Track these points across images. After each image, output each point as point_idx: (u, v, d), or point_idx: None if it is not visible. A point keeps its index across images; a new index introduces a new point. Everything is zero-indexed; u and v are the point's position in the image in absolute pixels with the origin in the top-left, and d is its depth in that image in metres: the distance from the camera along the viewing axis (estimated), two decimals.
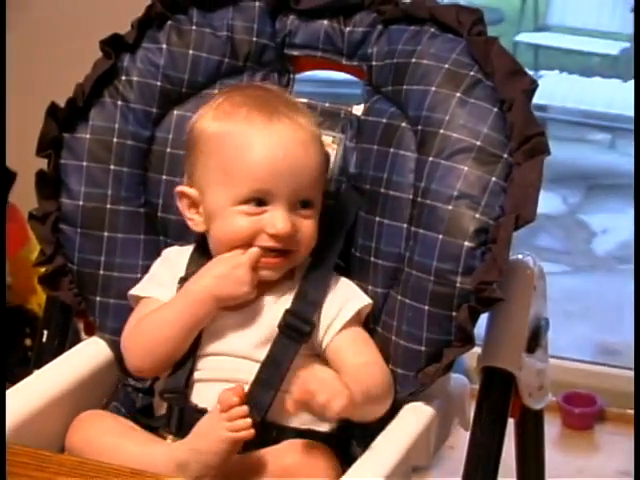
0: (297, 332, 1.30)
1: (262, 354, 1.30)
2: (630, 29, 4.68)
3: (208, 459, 1.19)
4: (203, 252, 1.37)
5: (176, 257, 1.38)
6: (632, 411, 2.47)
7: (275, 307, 1.32)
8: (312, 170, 1.32)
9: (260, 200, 1.29)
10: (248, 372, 1.29)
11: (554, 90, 4.78)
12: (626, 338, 2.65)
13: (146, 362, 1.32)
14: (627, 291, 2.85)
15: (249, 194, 1.29)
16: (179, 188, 1.36)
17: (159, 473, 1.14)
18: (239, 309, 1.32)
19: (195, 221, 1.35)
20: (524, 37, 5.37)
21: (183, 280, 1.34)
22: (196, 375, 1.31)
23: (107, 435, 1.28)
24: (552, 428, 2.48)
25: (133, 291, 1.37)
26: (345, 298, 1.33)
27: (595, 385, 2.60)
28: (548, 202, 4.08)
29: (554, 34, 5.44)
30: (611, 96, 4.79)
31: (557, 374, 2.51)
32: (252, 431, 1.19)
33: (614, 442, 2.52)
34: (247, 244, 1.30)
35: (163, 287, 1.35)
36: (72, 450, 1.29)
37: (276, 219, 1.28)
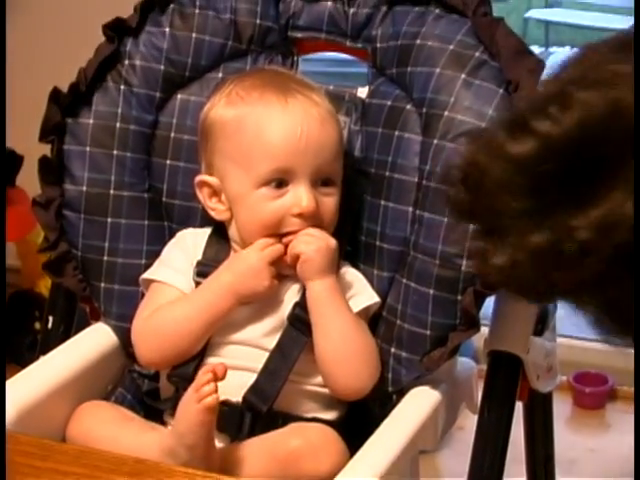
0: (305, 325, 1.30)
1: (271, 342, 1.30)
2: None
3: (189, 440, 1.18)
4: (221, 236, 1.36)
5: (192, 240, 1.37)
6: None
7: (286, 297, 1.32)
8: (330, 146, 1.31)
9: (281, 180, 1.29)
10: (257, 360, 1.29)
11: None
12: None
13: (161, 357, 1.32)
14: None
15: (269, 174, 1.28)
16: (199, 178, 1.35)
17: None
18: None
19: (218, 210, 1.34)
20: (535, 13, 5.33)
21: (200, 264, 1.34)
22: (205, 362, 1.31)
23: (104, 426, 1.28)
24: (563, 408, 2.48)
25: (146, 275, 1.37)
26: (352, 294, 1.33)
27: (606, 364, 2.58)
28: None
29: (565, 10, 5.40)
30: None
31: (568, 353, 2.49)
32: (215, 396, 1.17)
33: (626, 421, 2.50)
34: (273, 231, 1.30)
35: (178, 273, 1.34)
36: (72, 441, 1.29)
37: (299, 197, 1.28)
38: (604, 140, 0.71)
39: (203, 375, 1.18)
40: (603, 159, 0.71)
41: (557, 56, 4.77)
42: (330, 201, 1.31)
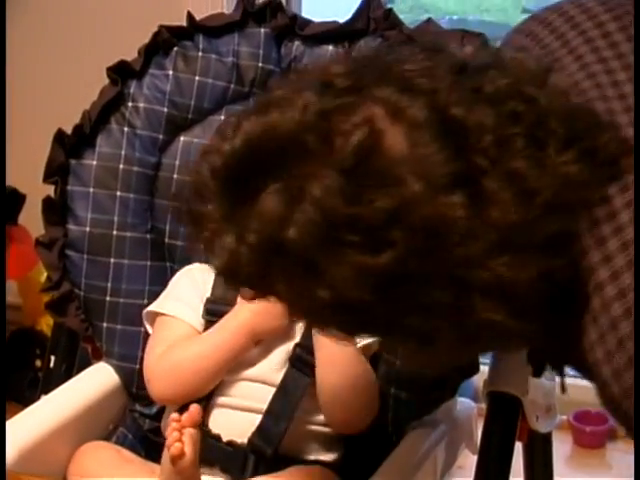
0: (307, 365, 1.31)
1: (278, 377, 1.31)
2: None
3: None
4: None
5: (200, 276, 1.39)
6: None
7: (291, 332, 1.34)
8: None
9: None
10: (263, 399, 1.31)
11: None
12: None
13: (176, 393, 1.33)
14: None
15: None
16: None
17: None
18: None
19: None
20: None
21: (210, 302, 1.35)
22: (213, 400, 1.32)
23: (103, 468, 1.28)
24: (563, 447, 2.47)
25: (154, 308, 1.37)
26: None
27: None
28: None
29: None
30: None
31: (568, 392, 2.49)
32: (178, 445, 1.15)
33: (626, 460, 2.49)
34: None
35: (187, 307, 1.35)
36: None
37: None
38: (262, 156, 0.86)
39: (170, 423, 1.17)
40: (262, 171, 0.86)
41: None
42: None
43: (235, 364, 1.32)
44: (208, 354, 1.30)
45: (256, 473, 1.27)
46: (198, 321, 1.35)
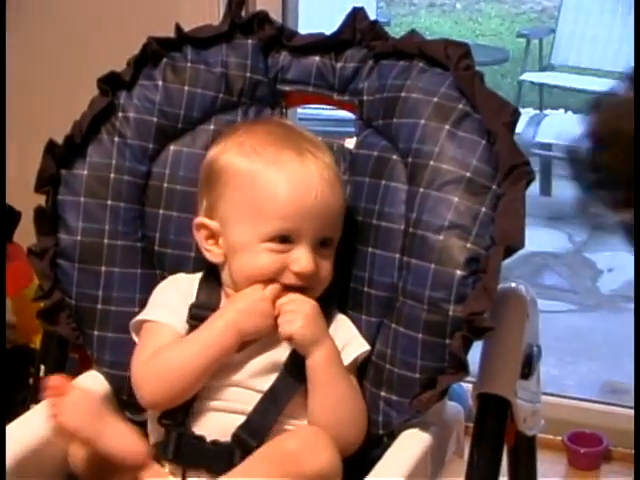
0: (301, 372, 1.31)
1: (264, 384, 1.31)
2: None
3: None
4: (212, 280, 1.38)
5: (186, 283, 1.39)
6: None
7: (276, 340, 1.33)
8: (337, 210, 1.34)
9: (285, 237, 1.31)
10: (248, 402, 1.31)
11: (559, 129, 4.80)
12: (632, 377, 2.63)
13: (165, 397, 1.32)
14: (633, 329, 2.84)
15: (276, 232, 1.31)
16: (199, 220, 1.37)
17: None
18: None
19: (213, 252, 1.36)
20: (529, 76, 5.40)
21: (194, 307, 1.36)
22: (196, 403, 1.32)
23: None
24: (558, 468, 2.46)
25: (141, 317, 1.37)
26: (344, 342, 1.35)
27: (601, 424, 2.57)
28: (554, 240, 4.08)
29: (559, 73, 5.47)
30: None
31: (563, 413, 2.48)
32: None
33: None
34: (269, 280, 1.32)
35: (174, 314, 1.35)
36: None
37: (301, 258, 1.30)
38: None
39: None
40: None
41: (551, 118, 4.83)
42: (326, 263, 1.34)
43: (219, 369, 1.31)
44: (195, 354, 1.30)
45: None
46: (183, 326, 1.35)
